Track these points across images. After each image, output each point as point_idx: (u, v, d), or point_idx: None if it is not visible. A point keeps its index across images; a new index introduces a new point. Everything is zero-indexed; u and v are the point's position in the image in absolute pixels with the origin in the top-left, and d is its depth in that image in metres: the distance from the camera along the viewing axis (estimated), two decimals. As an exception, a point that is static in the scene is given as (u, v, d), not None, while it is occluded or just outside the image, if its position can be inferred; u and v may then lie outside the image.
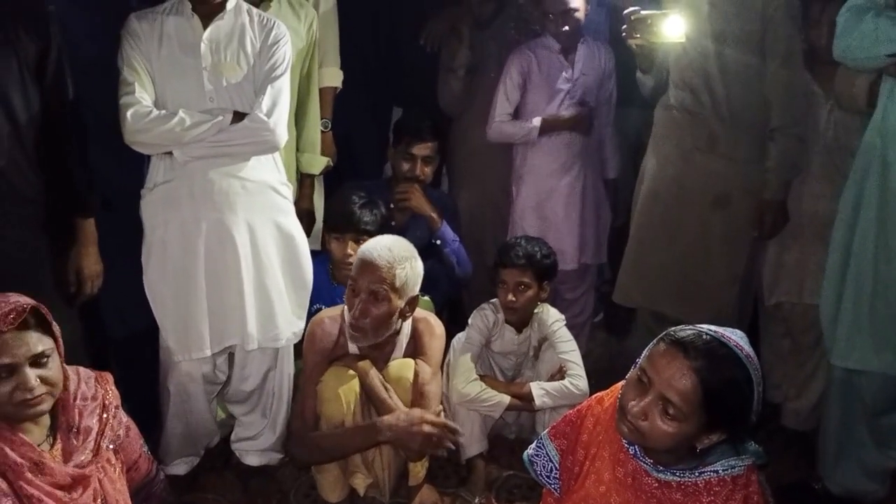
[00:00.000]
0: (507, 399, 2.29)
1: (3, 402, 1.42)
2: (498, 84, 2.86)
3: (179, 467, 2.26)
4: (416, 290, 2.03)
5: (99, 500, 1.54)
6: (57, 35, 1.89)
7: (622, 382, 1.45)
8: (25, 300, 1.44)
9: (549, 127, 2.83)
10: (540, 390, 2.29)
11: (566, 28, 2.75)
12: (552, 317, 2.44)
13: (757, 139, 2.32)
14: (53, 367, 1.48)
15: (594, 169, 2.98)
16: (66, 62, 1.92)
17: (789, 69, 2.26)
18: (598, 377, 2.34)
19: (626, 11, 2.20)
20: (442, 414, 2.10)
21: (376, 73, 2.95)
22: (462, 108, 3.00)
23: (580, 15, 2.76)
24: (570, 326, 2.47)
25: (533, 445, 1.65)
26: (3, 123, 1.83)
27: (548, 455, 1.60)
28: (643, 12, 2.15)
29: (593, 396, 1.59)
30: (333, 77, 2.73)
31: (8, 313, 1.39)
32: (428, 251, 2.52)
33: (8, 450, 1.41)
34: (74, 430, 1.54)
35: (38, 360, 1.45)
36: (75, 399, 1.56)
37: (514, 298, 2.36)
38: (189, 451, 2.28)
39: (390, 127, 2.92)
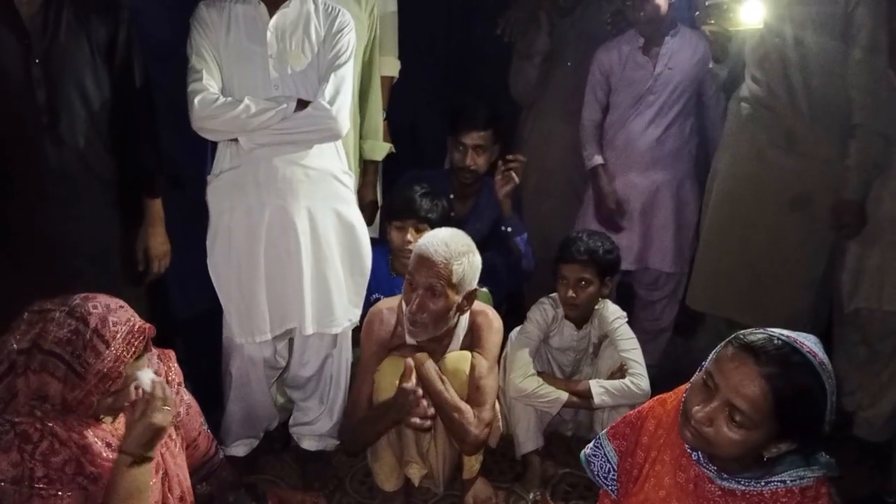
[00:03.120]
0: (564, 396, 2.25)
1: (103, 409, 1.46)
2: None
3: (239, 448, 2.31)
4: (474, 284, 2.01)
5: (160, 473, 1.57)
6: (127, 20, 1.95)
7: (686, 385, 1.39)
8: (141, 322, 1.46)
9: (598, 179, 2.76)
10: (599, 388, 2.24)
11: (642, 13, 2.63)
12: (613, 313, 2.39)
13: (838, 136, 2.20)
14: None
15: (683, 169, 2.78)
16: (137, 47, 1.98)
17: (873, 60, 2.13)
18: (662, 378, 2.28)
19: None
20: (497, 408, 2.08)
21: (444, 61, 2.93)
22: (535, 97, 2.95)
23: (660, 1, 2.61)
24: (642, 330, 2.40)
25: (591, 445, 1.61)
26: (79, 106, 1.92)
27: (605, 456, 1.56)
28: None
29: (655, 398, 1.54)
30: (390, 66, 2.72)
31: (132, 344, 1.41)
32: (488, 242, 2.49)
33: (88, 431, 1.45)
34: None
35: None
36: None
37: (574, 294, 2.31)
38: (249, 434, 2.32)
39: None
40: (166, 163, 2.07)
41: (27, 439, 1.36)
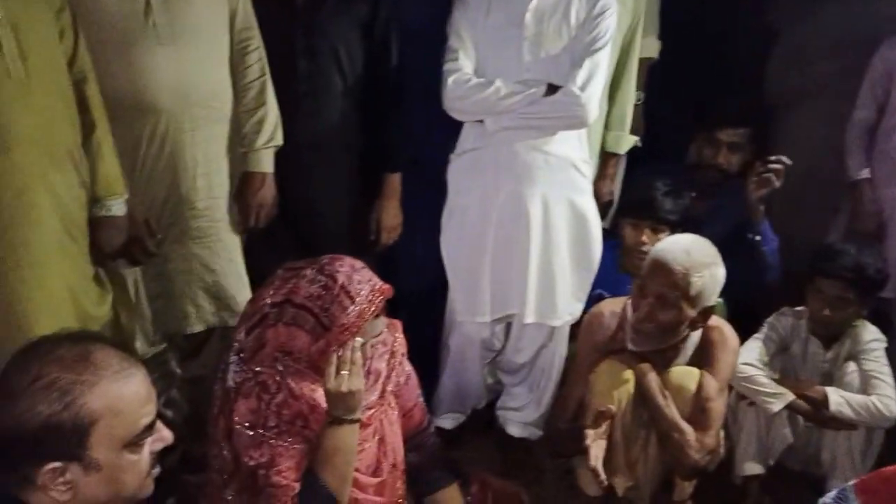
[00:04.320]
0: (791, 396, 2.03)
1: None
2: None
3: (447, 421, 2.37)
4: (713, 300, 1.85)
5: (377, 437, 1.63)
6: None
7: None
8: (381, 283, 1.52)
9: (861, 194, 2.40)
10: (838, 397, 2.00)
11: None
12: (871, 334, 2.09)
13: None
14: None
15: None
16: (395, 26, 2.05)
17: None
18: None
19: None
20: (721, 434, 1.91)
21: (700, 47, 2.71)
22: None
23: None
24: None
25: (832, 495, 1.39)
26: (336, 79, 2.03)
27: (850, 512, 1.35)
28: None
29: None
30: (650, 47, 2.56)
31: (373, 302, 1.48)
32: (724, 248, 2.29)
33: (318, 392, 1.52)
34: (366, 370, 1.65)
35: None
36: (366, 343, 1.66)
37: (830, 314, 2.05)
38: (457, 409, 2.38)
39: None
40: (410, 141, 2.13)
41: (266, 389, 1.47)
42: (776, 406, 2.06)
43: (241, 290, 1.99)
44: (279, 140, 2.00)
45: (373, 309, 1.46)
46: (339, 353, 1.46)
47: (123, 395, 1.06)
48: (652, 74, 2.61)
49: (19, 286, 1.53)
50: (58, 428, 1.01)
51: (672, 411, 1.85)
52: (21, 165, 1.51)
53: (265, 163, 2.00)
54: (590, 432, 1.78)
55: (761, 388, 2.06)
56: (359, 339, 1.50)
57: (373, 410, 1.61)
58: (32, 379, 1.02)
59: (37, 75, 1.53)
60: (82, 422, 1.02)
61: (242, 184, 2.01)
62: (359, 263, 1.52)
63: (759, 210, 2.35)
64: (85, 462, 1.04)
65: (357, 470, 1.54)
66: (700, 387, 1.87)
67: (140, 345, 1.94)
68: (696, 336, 1.93)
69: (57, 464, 1.03)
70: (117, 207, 1.72)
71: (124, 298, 1.82)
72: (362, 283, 1.47)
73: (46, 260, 1.57)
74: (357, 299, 1.45)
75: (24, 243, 1.54)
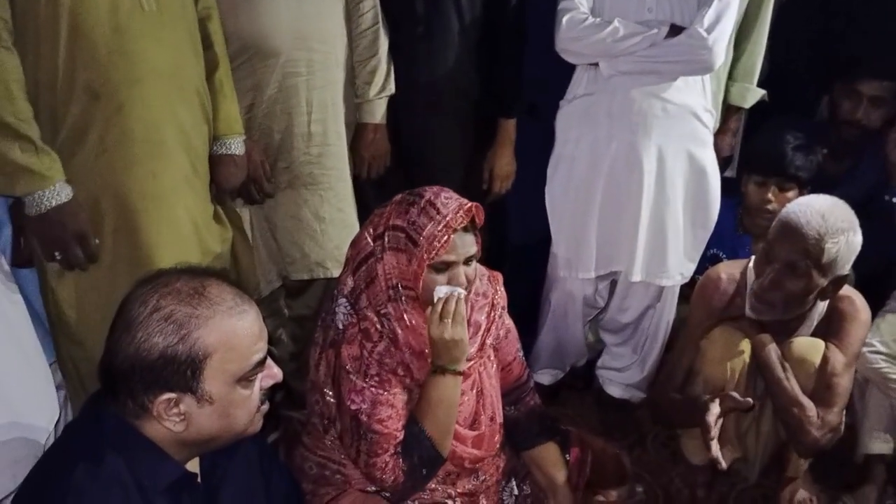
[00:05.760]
0: None
1: (426, 298, 1.49)
2: None
3: (545, 377, 2.33)
4: (847, 268, 1.69)
5: (475, 390, 1.61)
6: None
7: None
8: (470, 203, 1.49)
9: None
10: None
11: None
12: None
13: None
14: (475, 267, 1.54)
15: None
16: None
17: None
18: None
19: None
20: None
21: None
22: None
23: None
24: None
25: None
26: (453, 20, 1.97)
27: None
28: None
29: None
30: None
31: (460, 214, 1.45)
32: (859, 212, 2.10)
33: (422, 340, 1.49)
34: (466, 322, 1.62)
35: (469, 261, 1.51)
36: (469, 293, 1.63)
37: None
38: (556, 365, 2.33)
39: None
40: (529, 87, 2.05)
41: (368, 337, 1.46)
42: None
43: (347, 241, 1.96)
44: (391, 89, 2.00)
45: (459, 221, 1.43)
46: (443, 301, 1.43)
47: (237, 330, 1.07)
48: (783, 14, 2.37)
49: (145, 217, 1.56)
50: (173, 360, 1.03)
51: (792, 385, 1.73)
52: (152, 98, 1.53)
53: (378, 113, 2.01)
54: (713, 410, 1.68)
55: (890, 375, 1.90)
56: (460, 290, 1.46)
57: (472, 362, 1.58)
58: (150, 311, 1.03)
59: (167, 9, 1.54)
60: (197, 355, 1.04)
61: (356, 134, 2.02)
62: (449, 191, 1.50)
63: None
64: (198, 394, 1.06)
65: (456, 422, 1.53)
66: (825, 360, 1.74)
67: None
68: (822, 305, 1.79)
69: (171, 395, 1.05)
70: (237, 146, 1.74)
71: (242, 237, 1.86)
72: (449, 199, 1.45)
73: (173, 193, 1.60)
74: (443, 211, 1.42)
75: (152, 175, 1.56)
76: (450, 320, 1.42)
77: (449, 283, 1.46)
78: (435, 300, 1.44)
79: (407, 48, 1.99)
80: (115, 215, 1.54)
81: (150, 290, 1.05)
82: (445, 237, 1.41)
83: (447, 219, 1.42)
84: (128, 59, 1.48)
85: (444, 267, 1.44)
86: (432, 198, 1.45)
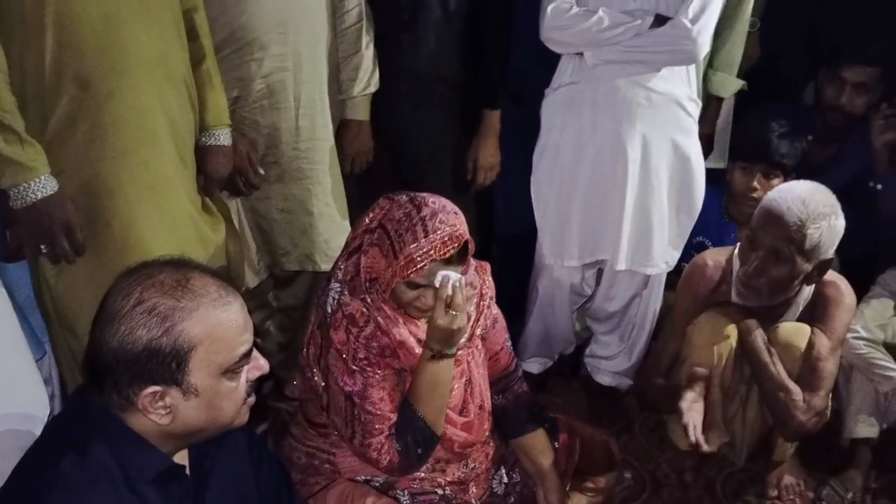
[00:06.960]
0: None
1: (406, 302, 1.48)
2: None
3: (533, 365, 2.34)
4: (830, 253, 1.72)
5: (464, 378, 1.62)
6: None
7: None
8: (464, 232, 1.44)
9: None
10: None
11: None
12: None
13: None
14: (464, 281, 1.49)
15: None
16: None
17: None
18: None
19: None
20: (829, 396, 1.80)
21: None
22: None
23: None
24: None
25: None
26: (437, 8, 1.96)
27: None
28: None
29: None
30: None
31: (447, 244, 1.40)
32: (844, 198, 2.12)
33: (405, 328, 1.51)
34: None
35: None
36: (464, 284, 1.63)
37: None
38: (544, 353, 2.35)
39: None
40: (513, 76, 2.05)
41: (354, 322, 1.46)
42: (888, 386, 1.94)
43: (336, 236, 1.97)
44: (374, 87, 1.99)
45: (443, 251, 1.39)
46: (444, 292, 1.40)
47: (221, 322, 1.07)
48: (772, 1, 2.39)
49: (137, 207, 1.56)
50: (157, 352, 1.03)
51: (779, 370, 1.75)
52: (141, 86, 1.52)
53: (361, 110, 2.01)
54: (687, 396, 1.70)
55: (876, 363, 1.93)
56: (457, 276, 1.43)
57: (460, 352, 1.58)
58: (134, 303, 1.03)
59: None
60: (181, 347, 1.04)
61: (339, 131, 2.02)
62: (452, 207, 1.46)
63: (884, 157, 2.16)
64: (184, 387, 1.06)
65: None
66: (811, 345, 1.76)
67: (246, 275, 1.98)
68: (808, 291, 1.81)
69: (157, 388, 1.05)
70: (225, 137, 1.74)
71: (231, 228, 1.85)
72: (444, 224, 1.40)
73: (165, 182, 1.60)
74: (430, 236, 1.38)
75: (143, 163, 1.56)
76: (456, 312, 1.41)
77: (416, 300, 1.45)
78: (437, 285, 1.41)
79: (392, 38, 1.99)
80: (109, 206, 1.54)
81: (132, 283, 1.04)
82: (423, 264, 1.38)
83: (431, 246, 1.38)
84: (117, 48, 1.47)
85: (414, 286, 1.43)
86: (429, 216, 1.40)
